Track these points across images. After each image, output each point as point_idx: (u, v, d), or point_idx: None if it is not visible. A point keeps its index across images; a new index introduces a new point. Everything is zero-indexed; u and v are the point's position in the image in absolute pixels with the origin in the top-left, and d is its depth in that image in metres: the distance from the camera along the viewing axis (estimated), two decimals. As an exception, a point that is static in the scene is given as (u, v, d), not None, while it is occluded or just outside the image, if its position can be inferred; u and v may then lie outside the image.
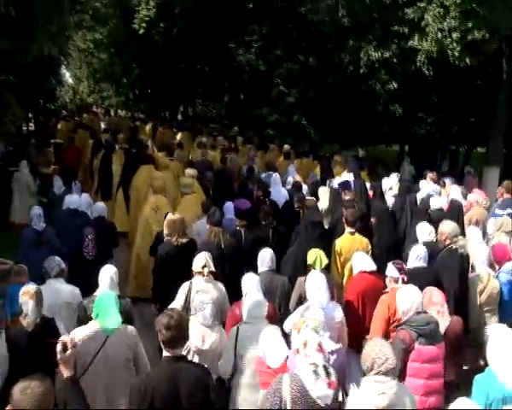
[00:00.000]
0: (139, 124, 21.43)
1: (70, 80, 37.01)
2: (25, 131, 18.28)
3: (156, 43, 21.91)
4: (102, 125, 21.62)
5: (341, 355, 4.23)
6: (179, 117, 29.39)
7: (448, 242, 5.79)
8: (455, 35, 11.45)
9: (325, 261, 5.34)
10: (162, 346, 3.45)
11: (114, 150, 11.66)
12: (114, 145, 12.10)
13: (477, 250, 5.81)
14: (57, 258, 5.19)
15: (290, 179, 9.67)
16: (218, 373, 4.28)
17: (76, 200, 7.41)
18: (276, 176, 9.20)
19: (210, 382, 3.48)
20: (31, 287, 4.26)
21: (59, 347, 3.11)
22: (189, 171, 9.07)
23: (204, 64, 22.32)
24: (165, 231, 6.05)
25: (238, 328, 4.23)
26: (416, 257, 5.44)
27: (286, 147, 13.52)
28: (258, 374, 3.96)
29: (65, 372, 3.10)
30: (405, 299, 4.35)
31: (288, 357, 3.70)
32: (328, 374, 3.21)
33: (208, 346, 4.47)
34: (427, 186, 9.07)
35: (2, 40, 9.32)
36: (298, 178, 9.92)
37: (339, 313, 4.59)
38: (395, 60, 13.98)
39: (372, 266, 5.35)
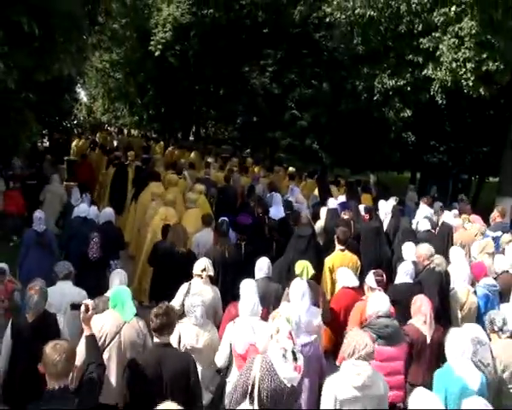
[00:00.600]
0: (152, 143, 21.75)
1: (85, 99, 37.51)
2: (40, 147, 18.51)
3: (171, 65, 22.22)
4: (115, 144, 21.89)
5: (316, 347, 4.54)
6: (191, 138, 29.63)
7: (426, 262, 6.21)
8: (469, 65, 11.53)
9: (311, 272, 5.65)
10: (153, 333, 3.99)
11: (126, 167, 12.14)
12: (125, 163, 12.64)
13: (458, 269, 6.14)
14: (66, 262, 5.58)
15: (293, 199, 10.09)
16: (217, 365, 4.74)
17: (85, 209, 7.96)
18: (276, 196, 9.67)
19: (191, 368, 3.96)
20: (37, 283, 4.67)
21: (82, 308, 3.83)
22: (198, 187, 9.67)
23: (218, 86, 22.55)
24: (170, 238, 6.68)
25: (233, 326, 4.66)
26: (404, 273, 5.86)
27: (291, 169, 14.27)
28: (235, 360, 4.49)
29: (86, 331, 3.84)
30: (373, 305, 4.82)
31: (254, 345, 4.22)
32: (295, 359, 3.69)
33: (202, 344, 4.75)
34: (422, 210, 9.61)
35: (24, 58, 9.51)
36: (300, 197, 10.29)
37: (317, 319, 4.84)
38: (409, 88, 14.05)
39: (354, 283, 5.73)
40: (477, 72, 11.61)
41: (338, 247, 6.73)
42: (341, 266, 6.28)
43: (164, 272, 6.34)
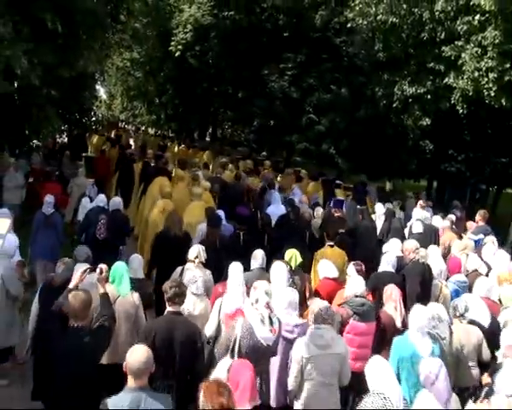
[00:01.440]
0: (168, 142, 21.98)
1: (104, 96, 37.80)
2: (59, 143, 18.72)
3: (191, 66, 22.32)
4: (131, 141, 22.07)
5: (304, 327, 4.98)
6: (207, 138, 29.73)
7: (412, 255, 6.78)
8: (491, 75, 11.41)
9: (299, 260, 6.27)
10: (167, 304, 4.54)
11: (132, 164, 12.82)
12: (134, 159, 13.45)
13: (434, 265, 6.71)
14: (85, 247, 6.22)
15: (297, 198, 10.56)
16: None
17: (103, 199, 8.63)
18: (275, 193, 10.40)
19: (198, 335, 4.54)
20: (65, 259, 5.65)
21: (97, 270, 4.62)
22: (204, 183, 10.37)
23: (237, 88, 22.59)
24: (165, 224, 7.41)
25: (221, 300, 5.21)
26: (386, 263, 6.49)
27: (303, 172, 14.74)
28: (225, 321, 5.05)
29: (101, 289, 4.54)
30: (351, 286, 5.48)
31: (241, 309, 4.87)
32: (271, 323, 4.46)
33: (198, 312, 5.33)
34: (417, 213, 10.07)
35: (48, 54, 9.63)
36: (304, 198, 10.72)
37: (297, 296, 5.21)
38: (429, 96, 13.93)
39: (334, 274, 6.25)
40: (499, 82, 11.48)
41: (327, 242, 7.32)
42: (329, 259, 6.69)
43: (160, 254, 6.82)
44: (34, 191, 12.18)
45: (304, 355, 4.46)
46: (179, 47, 20.21)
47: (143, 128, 32.99)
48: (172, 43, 20.36)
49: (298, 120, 20.11)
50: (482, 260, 7.45)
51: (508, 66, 11.17)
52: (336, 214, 8.98)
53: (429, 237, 8.53)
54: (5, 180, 11.07)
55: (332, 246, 7.27)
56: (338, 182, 13.80)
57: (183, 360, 4.28)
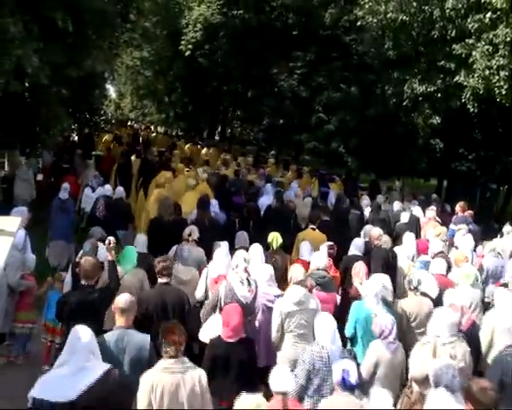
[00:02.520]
0: (177, 141, 22.27)
1: (114, 95, 37.95)
2: (70, 141, 18.81)
3: (200, 65, 22.35)
4: (141, 140, 22.23)
5: None
6: (217, 137, 29.77)
7: (376, 242, 7.65)
8: (503, 73, 11.31)
9: (280, 241, 7.07)
10: (157, 276, 5.32)
11: (130, 159, 13.70)
12: (129, 152, 14.45)
13: (405, 248, 7.73)
14: (100, 228, 7.08)
15: (293, 192, 11.45)
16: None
17: (109, 189, 9.91)
18: (268, 187, 11.46)
19: (186, 300, 5.32)
20: (92, 240, 6.52)
21: (107, 242, 5.38)
22: (202, 175, 11.10)
23: (246, 87, 22.59)
24: (158, 210, 8.25)
25: (207, 269, 6.18)
26: (354, 247, 7.36)
27: (305, 169, 15.61)
28: (210, 285, 5.96)
29: (110, 257, 5.27)
30: (314, 261, 6.32)
31: (224, 275, 5.84)
32: (249, 284, 5.43)
33: (187, 278, 6.18)
34: (397, 205, 11.34)
35: (57, 53, 9.67)
36: (299, 192, 11.57)
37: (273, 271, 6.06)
38: (439, 95, 13.82)
39: (307, 258, 6.89)
40: (510, 80, 11.38)
41: (310, 226, 8.36)
42: (310, 240, 7.56)
43: (155, 238, 7.30)
44: (44, 189, 12.30)
45: (283, 311, 5.30)
46: (189, 46, 20.27)
47: (152, 127, 33.10)
48: (182, 42, 20.41)
49: (307, 118, 20.07)
50: (453, 245, 8.47)
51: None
52: (320, 204, 10.21)
53: (411, 225, 9.49)
54: (17, 177, 11.19)
55: (314, 229, 8.20)
56: (333, 177, 14.83)
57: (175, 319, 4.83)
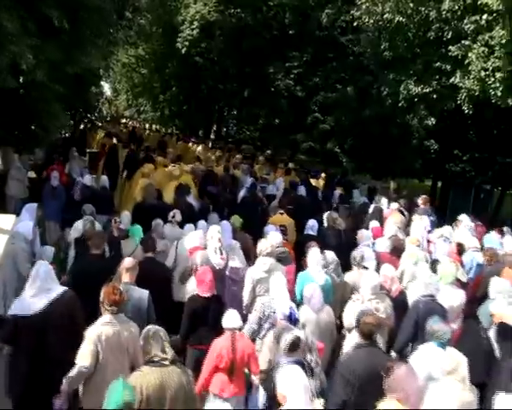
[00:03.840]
0: (168, 138, 22.43)
1: (108, 92, 37.80)
2: (62, 138, 18.73)
3: (196, 63, 22.30)
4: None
5: (246, 271, 6.65)
6: (212, 136, 29.71)
7: (331, 223, 8.75)
8: (498, 75, 11.33)
9: (239, 221, 8.18)
10: (143, 251, 6.51)
11: (117, 153, 14.52)
12: (117, 149, 15.09)
13: (363, 233, 8.58)
14: (90, 205, 8.06)
15: (275, 187, 12.66)
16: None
17: (89, 179, 10.66)
18: (248, 179, 12.20)
19: (167, 270, 6.61)
20: (88, 217, 7.48)
21: (113, 221, 7.44)
22: (185, 167, 12.10)
23: (242, 87, 22.56)
24: (142, 195, 9.32)
25: (177, 242, 7.14)
26: (308, 227, 8.55)
27: (290, 165, 16.17)
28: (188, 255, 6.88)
29: (115, 233, 7.26)
30: (271, 239, 7.07)
31: (199, 247, 6.78)
32: (221, 253, 6.59)
33: (161, 249, 7.11)
34: (360, 198, 12.73)
35: (53, 50, 9.63)
36: (282, 185, 12.68)
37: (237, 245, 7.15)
38: (435, 96, 13.84)
39: (278, 239, 7.54)
40: (506, 82, 11.39)
41: (279, 211, 9.38)
42: (278, 223, 8.74)
43: (139, 219, 7.96)
44: (37, 187, 12.21)
45: (254, 278, 6.28)
46: (185, 43, 20.18)
47: (147, 125, 33.02)
48: (179, 39, 20.31)
49: (303, 118, 20.11)
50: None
51: (515, 65, 11.10)
52: (291, 194, 11.31)
53: (375, 215, 10.47)
54: (10, 174, 11.09)
55: (282, 213, 9.26)
56: (314, 172, 15.93)
57: (159, 286, 5.89)
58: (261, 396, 4.79)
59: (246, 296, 6.30)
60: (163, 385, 3.72)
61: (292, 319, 5.06)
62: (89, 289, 4.83)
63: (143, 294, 5.23)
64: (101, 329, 4.31)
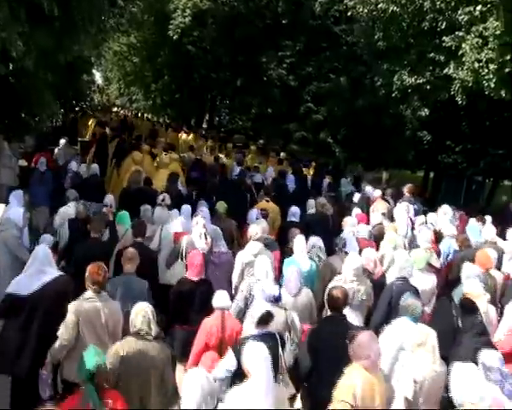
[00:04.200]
0: (158, 127, 22.73)
1: (100, 81, 37.49)
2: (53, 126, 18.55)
3: (188, 52, 22.11)
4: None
5: (228, 255, 7.09)
6: (204, 125, 29.57)
7: (319, 209, 9.27)
8: (492, 66, 11.31)
9: (223, 206, 8.44)
10: (134, 236, 6.72)
11: (106, 141, 14.62)
12: (108, 138, 15.09)
13: (349, 220, 8.75)
14: (74, 190, 8.41)
15: (265, 176, 12.99)
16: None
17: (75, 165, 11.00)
18: (237, 169, 12.87)
19: (154, 254, 6.84)
20: (81, 201, 8.02)
21: (108, 206, 7.93)
22: (174, 155, 12.35)
23: (235, 76, 22.41)
24: (130, 181, 9.71)
25: (161, 227, 7.46)
26: (290, 214, 8.88)
27: (282, 154, 16.44)
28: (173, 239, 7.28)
29: (110, 217, 7.75)
30: (255, 227, 7.32)
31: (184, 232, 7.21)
32: (206, 238, 6.94)
33: (149, 234, 7.23)
34: (347, 187, 13.32)
35: (43, 38, 9.47)
36: (273, 174, 12.97)
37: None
38: (428, 87, 13.81)
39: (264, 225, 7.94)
40: (499, 73, 11.38)
41: (264, 198, 9.79)
42: (264, 209, 9.00)
43: (125, 206, 8.22)
44: (27, 175, 12.09)
45: (244, 261, 6.65)
46: (177, 31, 19.97)
47: (139, 114, 32.80)
48: (171, 27, 20.09)
49: (296, 108, 20.03)
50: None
51: (508, 57, 11.06)
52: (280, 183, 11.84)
53: (362, 203, 10.98)
54: (0, 162, 10.99)
55: (268, 201, 9.70)
56: (306, 162, 16.12)
57: (147, 270, 5.96)
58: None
59: (235, 278, 6.66)
60: (143, 355, 4.08)
61: (278, 301, 5.27)
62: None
63: (143, 284, 5.53)
64: (82, 304, 4.64)
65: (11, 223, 6.57)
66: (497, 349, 4.60)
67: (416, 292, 5.80)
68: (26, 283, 4.99)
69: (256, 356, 3.68)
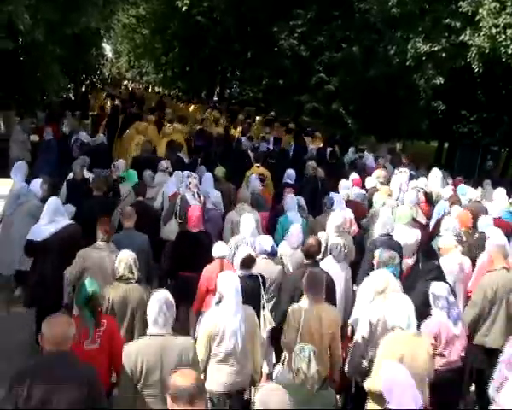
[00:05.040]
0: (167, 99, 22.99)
1: (110, 54, 37.21)
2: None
3: (198, 23, 21.80)
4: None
5: (216, 212, 7.77)
6: (215, 98, 29.34)
7: (311, 172, 9.67)
8: (510, 31, 11.00)
9: (222, 170, 9.09)
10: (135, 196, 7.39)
11: (118, 113, 15.00)
12: (119, 109, 15.71)
13: (346, 182, 9.20)
14: (84, 157, 8.92)
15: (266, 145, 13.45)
16: None
17: (85, 135, 11.43)
18: (242, 138, 13.22)
19: (154, 214, 7.37)
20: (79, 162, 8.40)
21: (112, 165, 8.64)
22: (178, 126, 12.80)
23: (245, 47, 22.08)
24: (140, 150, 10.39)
25: (164, 188, 8.04)
26: (286, 176, 9.33)
27: (291, 125, 16.56)
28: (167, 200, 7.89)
29: (114, 176, 8.36)
30: (250, 187, 8.35)
31: (177, 192, 7.75)
32: (199, 197, 7.56)
33: (151, 196, 7.95)
34: (354, 155, 13.45)
35: (51, 11, 9.37)
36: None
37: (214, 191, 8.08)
38: (444, 54, 13.47)
39: (256, 186, 8.55)
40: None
41: (255, 164, 10.13)
42: (261, 174, 9.44)
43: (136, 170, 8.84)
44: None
45: (233, 220, 7.15)
46: (186, 1, 19.68)
47: (150, 87, 32.63)
48: (179, -2, 19.82)
49: (307, 79, 19.70)
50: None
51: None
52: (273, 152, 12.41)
53: (359, 169, 11.34)
54: (12, 140, 11.02)
55: (258, 166, 10.04)
56: (309, 131, 16.18)
57: (147, 225, 6.42)
58: None
59: (225, 236, 7.11)
60: (126, 297, 4.64)
61: (272, 253, 5.80)
62: (94, 222, 5.64)
63: (144, 237, 6.03)
64: (90, 251, 5.35)
65: (31, 194, 7.00)
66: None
67: (398, 248, 6.16)
68: (41, 231, 5.78)
69: (227, 282, 4.38)
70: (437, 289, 4.83)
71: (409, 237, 6.61)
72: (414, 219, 7.56)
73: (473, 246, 6.92)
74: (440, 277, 5.41)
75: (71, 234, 5.83)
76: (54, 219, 5.84)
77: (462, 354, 4.83)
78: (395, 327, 4.27)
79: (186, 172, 8.42)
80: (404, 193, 9.26)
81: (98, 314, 4.18)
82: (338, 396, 4.83)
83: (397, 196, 9.15)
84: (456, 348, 4.77)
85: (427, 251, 6.01)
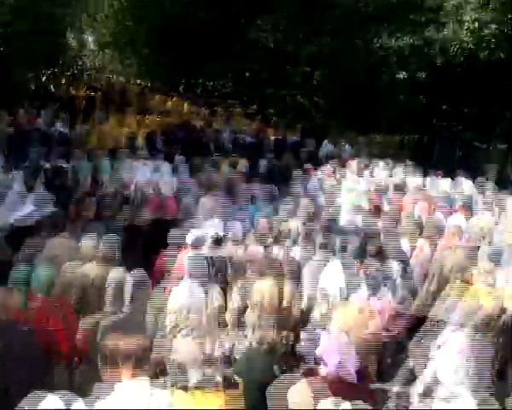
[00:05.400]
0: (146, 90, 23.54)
1: (92, 46, 36.58)
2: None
3: (177, 14, 21.63)
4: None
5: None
6: (198, 91, 29.07)
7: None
8: (493, 26, 11.13)
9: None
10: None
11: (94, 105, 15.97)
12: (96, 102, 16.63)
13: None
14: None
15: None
16: None
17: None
18: (227, 133, 14.55)
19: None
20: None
21: None
22: (154, 117, 14.63)
23: (229, 39, 21.92)
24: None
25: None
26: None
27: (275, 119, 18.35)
28: None
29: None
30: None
31: None
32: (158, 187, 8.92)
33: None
34: (328, 146, 14.78)
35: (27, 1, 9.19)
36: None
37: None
38: (426, 49, 13.55)
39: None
40: (499, 34, 11.22)
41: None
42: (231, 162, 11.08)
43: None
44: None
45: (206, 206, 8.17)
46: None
47: (131, 79, 32.23)
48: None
49: (290, 73, 19.68)
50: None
51: (509, 16, 10.88)
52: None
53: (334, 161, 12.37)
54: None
55: (234, 156, 11.64)
56: (285, 126, 17.16)
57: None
58: None
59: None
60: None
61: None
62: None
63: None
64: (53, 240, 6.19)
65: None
66: None
67: (341, 231, 7.12)
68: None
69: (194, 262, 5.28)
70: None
71: (351, 222, 7.78)
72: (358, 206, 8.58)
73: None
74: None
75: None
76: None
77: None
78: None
79: (142, 161, 9.75)
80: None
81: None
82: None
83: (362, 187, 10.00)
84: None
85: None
